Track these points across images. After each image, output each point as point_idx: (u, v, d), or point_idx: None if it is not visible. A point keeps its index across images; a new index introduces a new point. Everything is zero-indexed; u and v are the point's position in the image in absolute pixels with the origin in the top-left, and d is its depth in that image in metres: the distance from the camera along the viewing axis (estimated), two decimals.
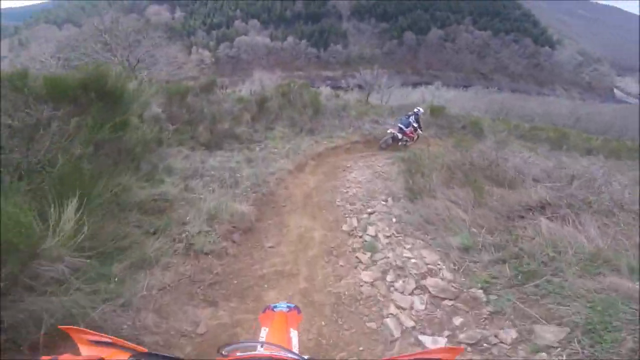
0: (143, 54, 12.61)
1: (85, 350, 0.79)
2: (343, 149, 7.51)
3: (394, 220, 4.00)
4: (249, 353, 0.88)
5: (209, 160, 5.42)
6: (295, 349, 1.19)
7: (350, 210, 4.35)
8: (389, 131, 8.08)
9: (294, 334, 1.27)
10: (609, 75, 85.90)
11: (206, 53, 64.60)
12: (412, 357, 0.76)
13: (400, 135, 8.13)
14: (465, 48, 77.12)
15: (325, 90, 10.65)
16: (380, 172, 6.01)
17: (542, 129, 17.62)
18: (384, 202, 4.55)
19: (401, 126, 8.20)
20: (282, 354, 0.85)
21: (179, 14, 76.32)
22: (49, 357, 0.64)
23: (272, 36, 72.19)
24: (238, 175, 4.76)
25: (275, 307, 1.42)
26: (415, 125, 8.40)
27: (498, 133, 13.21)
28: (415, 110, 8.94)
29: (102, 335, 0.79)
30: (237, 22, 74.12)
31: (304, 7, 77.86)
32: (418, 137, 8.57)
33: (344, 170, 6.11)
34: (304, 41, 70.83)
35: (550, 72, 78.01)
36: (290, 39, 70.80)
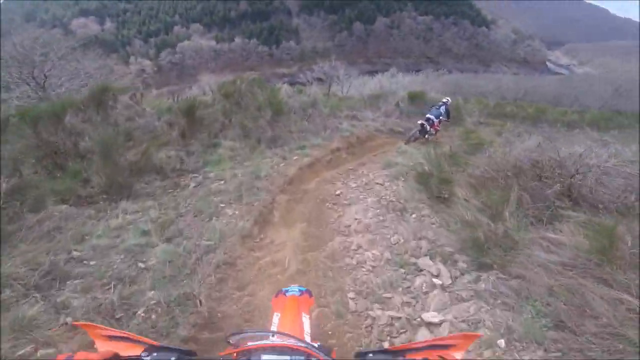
0: (49, 70, 9.45)
1: (100, 345, 0.80)
2: (323, 164, 5.16)
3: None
4: (259, 342, 0.82)
5: (97, 228, 2.88)
6: (307, 335, 1.15)
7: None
8: (419, 122, 7.02)
9: (305, 319, 1.23)
10: (541, 50, 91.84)
11: (146, 62, 58.55)
12: (427, 344, 0.75)
13: (428, 127, 7.04)
14: (410, 34, 78.22)
15: (284, 87, 8.16)
16: (388, 198, 3.79)
17: (508, 105, 16.76)
18: (437, 282, 2.29)
19: (431, 117, 7.11)
20: (293, 342, 0.81)
21: (109, 24, 68.64)
22: (64, 355, 0.64)
23: (218, 38, 67.21)
24: (141, 266, 2.29)
25: (287, 291, 1.37)
26: (444, 117, 7.51)
27: (473, 114, 11.93)
28: (445, 100, 7.94)
29: (116, 331, 0.80)
30: (176, 28, 68.42)
31: (249, 6, 73.84)
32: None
33: (334, 204, 3.79)
34: (253, 40, 66.76)
35: (489, 50, 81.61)
36: (238, 39, 66.36)
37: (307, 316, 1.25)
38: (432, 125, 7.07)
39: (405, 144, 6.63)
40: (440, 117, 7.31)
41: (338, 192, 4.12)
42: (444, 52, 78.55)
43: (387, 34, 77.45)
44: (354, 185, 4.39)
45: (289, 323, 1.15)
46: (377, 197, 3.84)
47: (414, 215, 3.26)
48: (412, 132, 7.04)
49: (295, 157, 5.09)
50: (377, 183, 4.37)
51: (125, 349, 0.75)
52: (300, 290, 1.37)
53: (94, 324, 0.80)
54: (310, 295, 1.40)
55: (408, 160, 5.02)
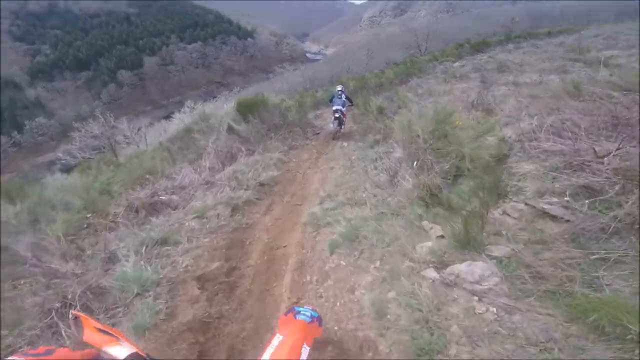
0: None
1: (89, 334, 0.87)
2: None
3: None
4: None
5: None
6: None
7: None
8: (334, 115, 6.95)
9: (305, 351, 1.18)
10: (297, 44, 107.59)
11: None
12: None
13: (342, 117, 7.02)
14: (189, 65, 74.01)
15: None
16: None
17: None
18: None
19: (339, 107, 7.03)
20: None
21: None
22: (45, 348, 0.69)
23: None
24: None
25: (299, 312, 1.33)
26: (348, 103, 7.46)
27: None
28: (340, 88, 7.63)
29: (108, 327, 0.87)
30: None
31: None
32: None
33: None
34: None
35: (263, 58, 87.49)
36: None
37: (307, 349, 1.19)
38: (342, 114, 6.98)
39: (335, 139, 6.68)
40: (346, 105, 7.29)
41: None
42: (229, 72, 78.52)
43: (164, 72, 70.24)
44: None
45: (285, 354, 1.11)
46: None
47: None
48: (331, 128, 6.95)
49: None
50: None
51: (108, 345, 0.82)
52: (312, 316, 1.30)
53: (90, 316, 0.91)
54: (320, 324, 1.33)
55: None
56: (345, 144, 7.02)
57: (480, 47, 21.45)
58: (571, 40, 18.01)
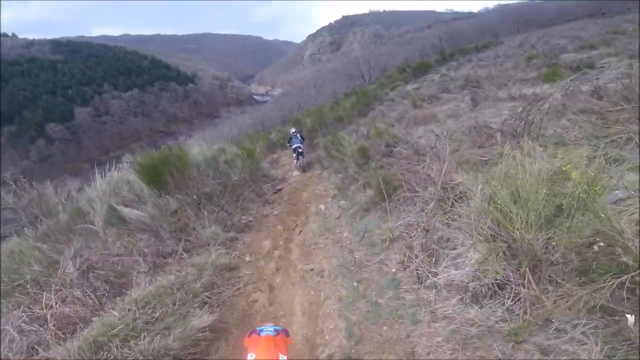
0: None
1: None
2: None
3: None
4: None
5: None
6: None
7: None
8: (295, 152, 7.47)
9: (283, 359, 1.17)
10: (243, 87, 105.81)
11: None
12: None
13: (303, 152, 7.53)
14: (127, 114, 66.79)
15: None
16: None
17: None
18: None
19: (299, 145, 7.54)
20: None
21: None
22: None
23: None
24: None
25: (261, 330, 1.30)
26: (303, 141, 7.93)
27: None
28: (294, 130, 8.40)
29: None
30: None
31: None
32: None
33: None
34: None
35: (207, 103, 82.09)
36: None
37: (284, 357, 1.19)
38: (302, 151, 7.50)
39: (303, 172, 7.15)
40: (303, 142, 7.84)
41: None
42: (172, 120, 72.30)
43: (99, 124, 62.28)
44: None
45: None
46: None
47: None
48: (296, 163, 7.37)
49: None
50: None
51: None
52: (275, 330, 1.30)
53: None
54: (287, 335, 1.34)
55: None
56: (322, 206, 4.66)
57: (422, 68, 21.52)
58: (507, 48, 18.57)
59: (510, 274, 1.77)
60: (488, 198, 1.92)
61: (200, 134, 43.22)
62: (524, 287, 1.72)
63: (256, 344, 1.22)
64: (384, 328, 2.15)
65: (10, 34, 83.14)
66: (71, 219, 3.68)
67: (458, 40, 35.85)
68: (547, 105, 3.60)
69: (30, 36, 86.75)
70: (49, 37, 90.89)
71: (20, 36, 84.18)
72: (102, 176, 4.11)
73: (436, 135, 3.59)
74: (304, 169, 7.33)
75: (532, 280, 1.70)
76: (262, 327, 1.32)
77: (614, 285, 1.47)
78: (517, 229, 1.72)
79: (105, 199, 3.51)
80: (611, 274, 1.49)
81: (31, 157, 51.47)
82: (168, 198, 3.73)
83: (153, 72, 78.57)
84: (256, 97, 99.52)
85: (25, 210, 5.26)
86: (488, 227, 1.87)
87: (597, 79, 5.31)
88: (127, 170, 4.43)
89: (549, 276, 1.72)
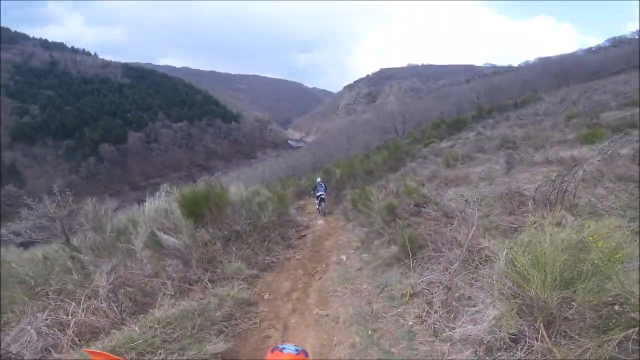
0: None
1: None
2: None
3: None
4: None
5: None
6: None
7: None
8: (318, 199, 8.27)
9: None
10: (281, 131, 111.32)
11: None
12: None
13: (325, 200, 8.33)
14: (172, 144, 71.35)
15: None
16: None
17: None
18: None
19: (323, 193, 8.39)
20: None
21: None
22: None
23: None
24: None
25: (284, 348, 1.25)
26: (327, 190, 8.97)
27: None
28: (319, 179, 9.42)
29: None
30: None
31: None
32: None
33: None
34: None
35: (246, 143, 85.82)
36: None
37: None
38: (324, 199, 8.27)
39: (324, 215, 7.88)
40: (326, 191, 8.82)
41: None
42: (212, 155, 76.03)
43: (146, 150, 66.63)
44: None
45: None
46: None
47: None
48: (318, 208, 8.19)
49: None
50: None
51: None
52: (297, 350, 1.24)
53: (101, 352, 0.99)
54: (306, 356, 1.27)
55: None
56: (344, 257, 4.69)
57: (458, 125, 21.45)
58: (547, 105, 17.81)
59: (526, 328, 1.78)
60: (510, 262, 1.94)
61: (235, 172, 45.13)
62: (537, 340, 1.71)
63: None
64: None
65: (92, 53, 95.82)
66: (117, 237, 4.06)
67: (496, 95, 35.28)
68: (582, 172, 3.55)
69: (109, 57, 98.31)
70: (123, 60, 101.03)
71: (100, 56, 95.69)
72: (149, 202, 4.54)
73: (465, 200, 3.62)
74: (325, 214, 8.07)
75: (545, 335, 1.70)
76: (284, 345, 1.34)
77: (622, 338, 1.47)
78: (534, 289, 1.74)
79: (150, 224, 3.88)
80: (620, 327, 1.52)
81: (80, 172, 55.43)
82: (202, 230, 4.03)
83: (204, 106, 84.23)
84: (291, 142, 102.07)
85: (62, 221, 5.81)
86: (508, 287, 1.88)
87: (639, 141, 5.12)
88: (167, 200, 4.85)
89: (564, 331, 1.74)
